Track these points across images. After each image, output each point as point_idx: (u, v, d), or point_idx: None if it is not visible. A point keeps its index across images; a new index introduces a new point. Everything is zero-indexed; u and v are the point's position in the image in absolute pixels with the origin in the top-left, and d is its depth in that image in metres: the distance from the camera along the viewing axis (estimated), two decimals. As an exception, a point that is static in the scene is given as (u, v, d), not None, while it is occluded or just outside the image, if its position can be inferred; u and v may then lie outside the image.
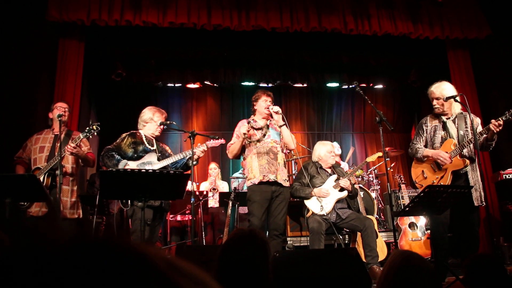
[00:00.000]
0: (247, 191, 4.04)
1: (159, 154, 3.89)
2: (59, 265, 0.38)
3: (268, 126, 4.13)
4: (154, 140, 3.99)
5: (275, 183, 3.95)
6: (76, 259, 0.38)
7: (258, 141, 4.03)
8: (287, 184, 4.06)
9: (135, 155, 3.79)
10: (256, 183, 3.93)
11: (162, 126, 4.01)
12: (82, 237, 0.41)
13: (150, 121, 3.97)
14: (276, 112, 3.99)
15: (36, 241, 0.40)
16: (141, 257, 0.41)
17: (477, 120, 3.85)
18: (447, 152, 3.74)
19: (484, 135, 3.66)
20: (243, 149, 4.12)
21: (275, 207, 3.96)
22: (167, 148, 4.13)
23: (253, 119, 4.17)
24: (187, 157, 3.92)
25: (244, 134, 3.93)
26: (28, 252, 0.38)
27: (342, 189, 4.46)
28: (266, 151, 3.99)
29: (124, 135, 3.92)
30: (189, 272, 0.43)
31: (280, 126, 4.05)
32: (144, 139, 3.91)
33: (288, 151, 4.16)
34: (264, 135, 4.06)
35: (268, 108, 4.07)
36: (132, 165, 3.70)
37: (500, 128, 3.51)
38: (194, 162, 3.84)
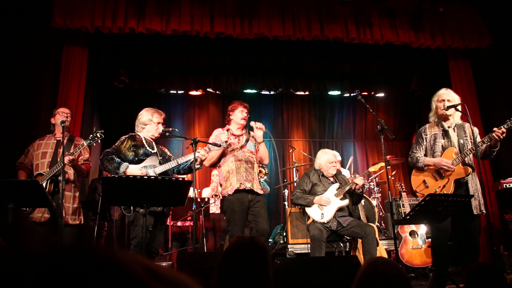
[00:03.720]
0: (224, 201, 4.11)
1: (161, 158, 3.83)
2: (35, 277, 0.38)
3: (248, 139, 4.24)
4: (154, 143, 3.91)
5: (251, 192, 4.06)
6: (53, 270, 0.39)
7: (234, 149, 4.15)
8: (261, 192, 4.20)
9: (136, 159, 3.71)
10: (232, 192, 4.01)
11: (161, 127, 3.92)
12: (58, 248, 0.41)
13: (150, 122, 3.87)
14: (260, 128, 4.14)
15: (12, 254, 0.40)
16: (118, 264, 0.41)
17: (476, 130, 3.87)
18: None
19: (486, 144, 3.68)
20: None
21: (257, 213, 4.06)
22: (166, 150, 4.07)
23: (228, 129, 4.24)
24: (190, 161, 3.85)
25: (226, 142, 4.02)
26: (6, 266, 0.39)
27: (343, 198, 4.47)
28: (244, 160, 4.13)
29: (123, 137, 3.82)
30: (169, 278, 0.43)
31: (259, 143, 4.23)
32: (144, 141, 3.82)
33: (261, 165, 4.33)
34: (242, 146, 4.18)
35: (244, 118, 4.20)
36: (133, 168, 3.63)
37: (504, 135, 3.55)
38: (198, 166, 3.82)
